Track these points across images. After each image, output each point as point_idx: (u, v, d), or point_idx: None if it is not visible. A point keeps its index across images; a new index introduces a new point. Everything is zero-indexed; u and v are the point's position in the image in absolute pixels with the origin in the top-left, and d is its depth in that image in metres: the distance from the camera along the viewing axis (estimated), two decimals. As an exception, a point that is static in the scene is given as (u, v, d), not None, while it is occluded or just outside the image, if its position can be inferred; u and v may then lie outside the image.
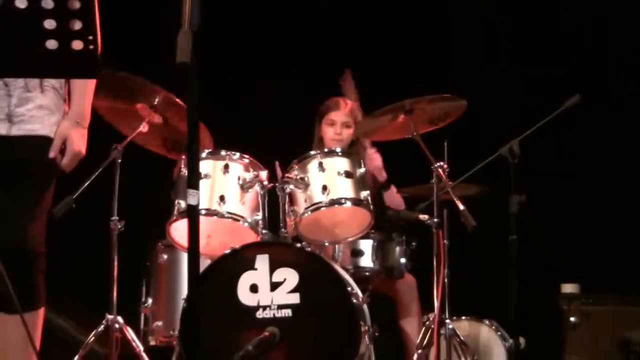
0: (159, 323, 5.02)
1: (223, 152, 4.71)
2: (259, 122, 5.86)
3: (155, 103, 4.79)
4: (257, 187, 4.70)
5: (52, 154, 3.00)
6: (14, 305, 2.78)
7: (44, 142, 3.00)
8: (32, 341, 2.89)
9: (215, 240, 4.63)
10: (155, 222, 4.87)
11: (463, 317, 5.50)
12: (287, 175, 4.74)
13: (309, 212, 4.66)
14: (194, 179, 2.47)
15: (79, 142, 3.04)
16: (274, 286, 4.47)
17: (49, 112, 3.03)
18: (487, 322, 5.67)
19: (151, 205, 4.94)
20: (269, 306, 4.46)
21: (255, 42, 6.17)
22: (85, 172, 3.95)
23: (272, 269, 4.48)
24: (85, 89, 3.10)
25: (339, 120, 5.40)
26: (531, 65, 5.91)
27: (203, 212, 4.46)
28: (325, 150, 4.89)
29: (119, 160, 4.79)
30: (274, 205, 4.81)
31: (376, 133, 5.23)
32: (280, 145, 5.25)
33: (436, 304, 4.90)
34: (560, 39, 6.01)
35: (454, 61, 5.86)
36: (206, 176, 4.60)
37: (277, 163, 5.05)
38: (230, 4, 5.27)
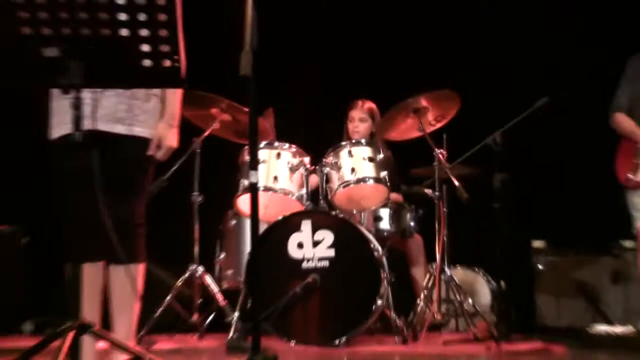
0: (230, 272, 5.03)
1: (276, 143, 4.74)
2: (306, 118, 5.81)
3: (224, 107, 4.81)
4: (302, 170, 4.72)
5: (151, 152, 3.00)
6: (122, 259, 2.80)
7: (145, 141, 2.99)
8: (135, 285, 2.91)
9: (271, 209, 4.63)
10: (226, 196, 4.89)
11: (458, 266, 5.47)
12: (324, 160, 4.75)
13: (341, 188, 4.67)
14: (254, 163, 2.45)
15: (171, 139, 3.04)
16: (315, 244, 4.51)
17: (151, 116, 3.01)
18: (476, 269, 5.65)
19: (222, 183, 4.93)
20: (312, 259, 4.50)
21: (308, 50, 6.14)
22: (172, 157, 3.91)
23: (314, 230, 4.53)
24: (175, 96, 3.09)
25: (356, 117, 5.35)
26: (511, 70, 5.84)
27: (261, 188, 4.47)
28: (353, 141, 4.88)
29: (198, 150, 4.81)
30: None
31: (393, 132, 5.19)
32: (323, 136, 5.22)
33: (438, 256, 4.90)
34: (530, 47, 5.95)
35: (449, 70, 5.79)
36: (263, 161, 4.62)
37: None
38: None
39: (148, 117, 3.00)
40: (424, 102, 4.86)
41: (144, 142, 2.98)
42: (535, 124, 4.90)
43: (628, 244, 5.53)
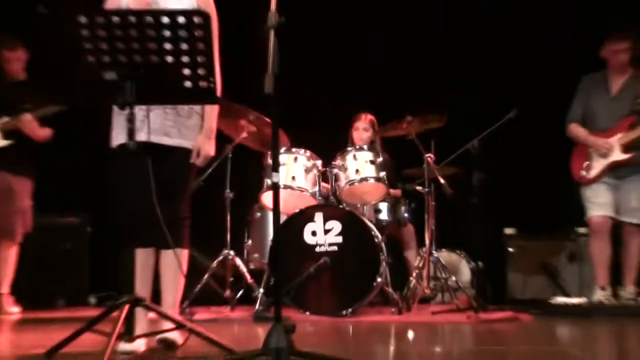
0: (256, 255, 5.03)
1: (293, 149, 4.73)
2: (318, 126, 5.76)
3: (251, 119, 4.78)
4: (314, 171, 4.72)
5: (192, 160, 2.99)
6: (170, 245, 2.81)
7: (188, 151, 2.98)
8: (180, 267, 2.92)
9: (289, 203, 4.61)
10: (252, 193, 4.89)
11: (443, 249, 5.44)
12: (333, 162, 4.75)
13: (347, 186, 4.66)
14: (275, 166, 2.44)
15: (209, 149, 3.01)
16: (326, 232, 4.51)
17: (192, 130, 3.00)
18: (458, 252, 5.65)
19: (249, 182, 4.94)
20: (323, 244, 4.49)
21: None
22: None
23: (325, 221, 4.52)
24: (212, 112, 3.07)
25: (360, 127, 5.30)
26: (488, 86, 5.81)
27: (282, 186, 4.46)
28: (357, 147, 4.87)
29: (230, 155, 4.81)
30: (325, 181, 4.84)
31: (389, 135, 5.17)
32: (332, 141, 5.20)
33: (427, 241, 4.90)
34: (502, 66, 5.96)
35: (438, 86, 5.76)
36: (283, 164, 4.60)
37: None
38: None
39: (190, 131, 2.99)
40: (415, 117, 4.84)
41: (187, 151, 2.98)
42: (507, 131, 4.91)
43: (582, 230, 5.56)
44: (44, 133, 4.95)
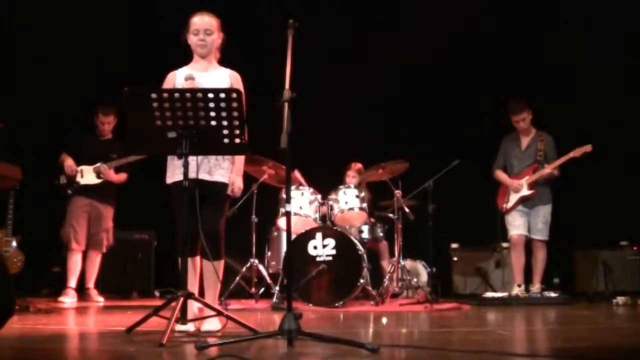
0: (273, 262, 4.94)
1: (301, 187, 4.69)
2: (321, 170, 5.59)
3: (270, 165, 4.75)
4: (316, 202, 4.67)
5: (228, 192, 2.95)
6: (210, 257, 2.77)
7: (224, 185, 2.94)
8: (218, 275, 2.85)
9: (298, 226, 4.56)
10: (271, 218, 4.83)
11: (408, 259, 5.36)
12: (329, 196, 4.70)
13: (339, 213, 4.63)
14: (288, 199, 2.42)
15: (239, 184, 2.98)
16: (324, 246, 4.46)
17: (227, 171, 2.96)
18: (419, 261, 5.58)
19: (269, 210, 4.89)
20: (322, 255, 4.45)
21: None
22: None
23: (324, 238, 4.47)
24: (241, 159, 3.04)
25: (350, 173, 5.28)
26: (438, 145, 5.79)
27: (292, 213, 4.41)
28: (347, 185, 4.83)
29: (255, 190, 4.77)
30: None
31: (370, 178, 5.11)
32: (331, 181, 5.12)
33: (396, 253, 4.83)
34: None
35: (403, 142, 5.70)
36: (293, 197, 4.56)
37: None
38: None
39: (225, 170, 2.95)
40: (388, 165, 4.82)
41: (223, 185, 2.94)
42: (452, 175, 4.91)
43: (504, 245, 5.57)
44: (119, 177, 4.97)
